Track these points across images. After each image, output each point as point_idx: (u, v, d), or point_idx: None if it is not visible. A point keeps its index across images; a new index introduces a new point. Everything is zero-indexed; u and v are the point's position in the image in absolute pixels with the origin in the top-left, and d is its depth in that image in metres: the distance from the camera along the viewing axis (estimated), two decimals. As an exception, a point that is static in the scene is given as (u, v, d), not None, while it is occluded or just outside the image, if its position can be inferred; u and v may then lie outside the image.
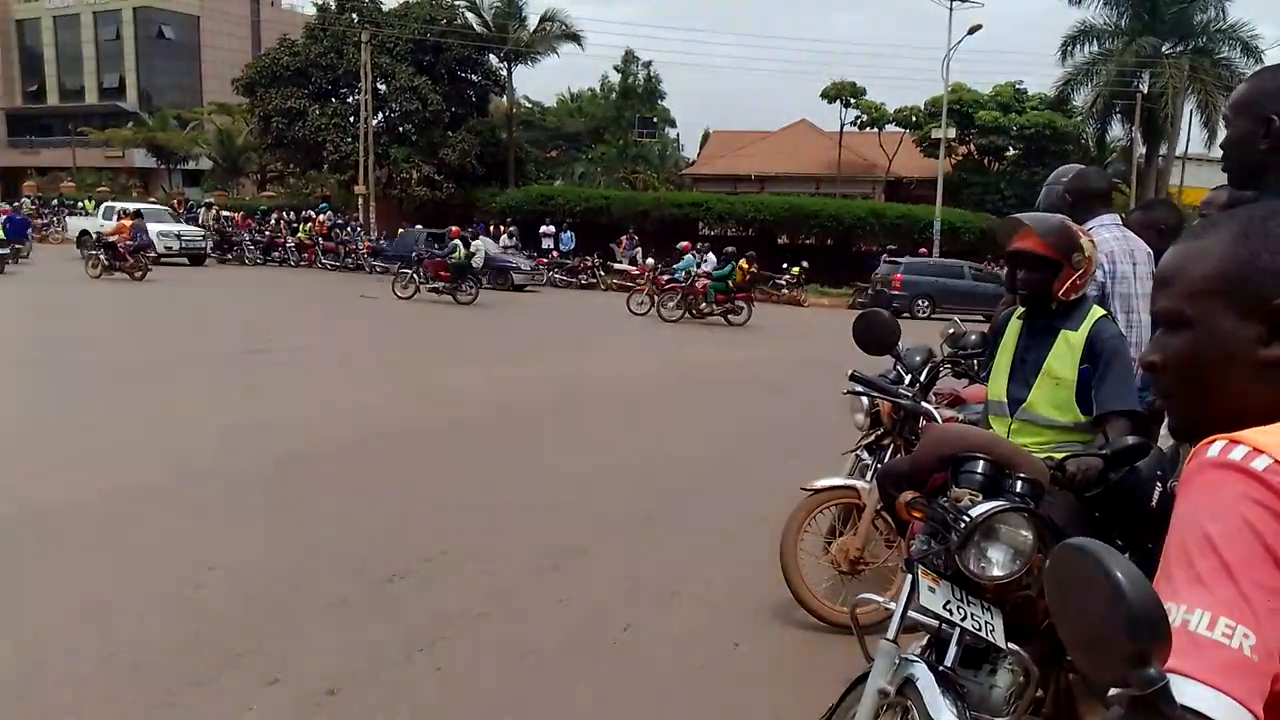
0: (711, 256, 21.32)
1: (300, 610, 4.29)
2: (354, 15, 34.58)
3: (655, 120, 45.75)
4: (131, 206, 28.56)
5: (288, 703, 3.44)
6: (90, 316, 15.84)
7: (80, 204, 39.18)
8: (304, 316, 17.62)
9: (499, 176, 35.22)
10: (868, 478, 4.39)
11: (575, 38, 35.98)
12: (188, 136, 47.43)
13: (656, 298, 20.06)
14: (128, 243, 21.68)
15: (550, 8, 35.73)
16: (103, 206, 29.78)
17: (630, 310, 20.38)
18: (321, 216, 31.65)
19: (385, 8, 35.17)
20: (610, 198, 33.22)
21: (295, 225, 31.42)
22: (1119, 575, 0.81)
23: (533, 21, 35.87)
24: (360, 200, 33.09)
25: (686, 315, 19.49)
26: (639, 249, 29.11)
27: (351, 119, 33.66)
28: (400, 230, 29.64)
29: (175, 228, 28.01)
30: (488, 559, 5.06)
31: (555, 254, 29.59)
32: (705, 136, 48.70)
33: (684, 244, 23.27)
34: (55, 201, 40.12)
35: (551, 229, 30.84)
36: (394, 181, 33.96)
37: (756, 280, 20.70)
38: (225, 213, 33.08)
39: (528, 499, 6.29)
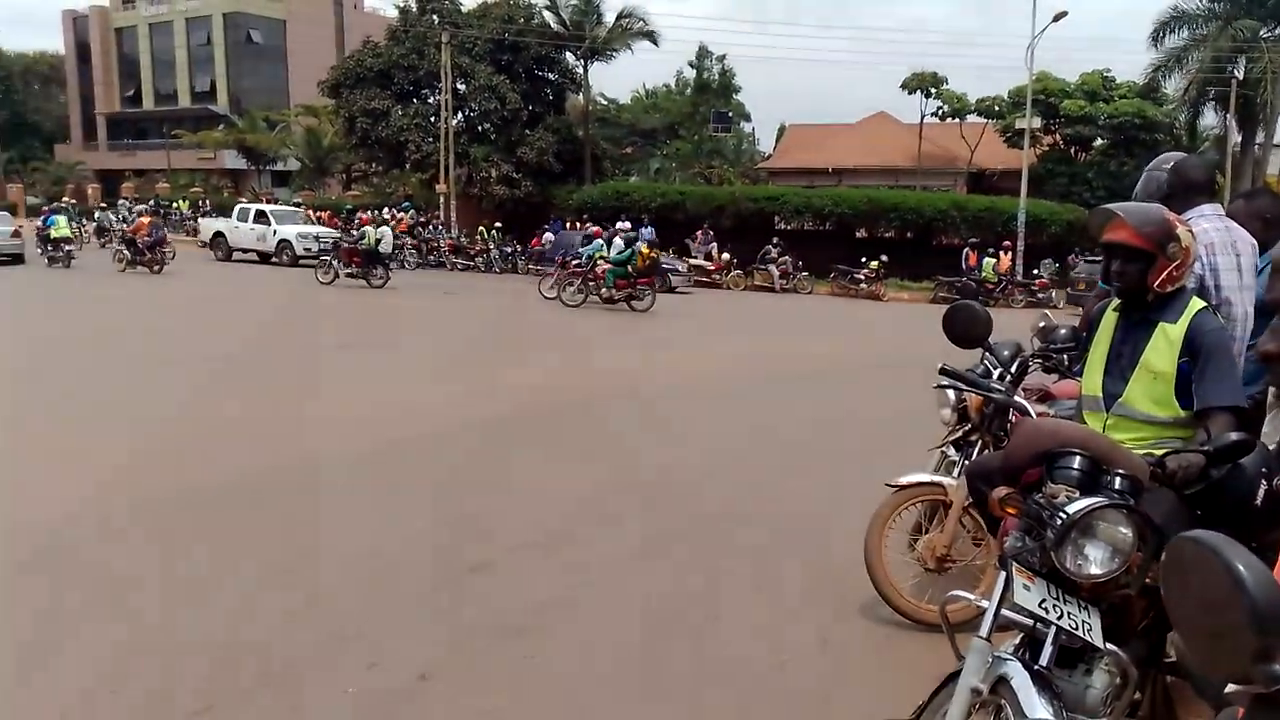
0: (619, 241, 20.76)
1: (396, 596, 4.42)
2: (434, 16, 35.14)
3: (730, 114, 45.56)
4: (263, 208, 29.99)
5: (385, 686, 3.55)
6: (211, 315, 16.49)
7: (175, 204, 40.71)
8: (390, 313, 18.01)
9: (576, 173, 35.46)
10: (955, 474, 4.34)
11: (651, 35, 36.01)
12: (276, 138, 48.81)
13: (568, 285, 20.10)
14: (145, 238, 23.37)
15: (627, 5, 35.68)
16: (236, 208, 30.84)
17: (542, 294, 20.29)
18: (405, 215, 32.29)
19: (465, 8, 35.67)
20: (686, 193, 33.17)
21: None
22: (1242, 569, 0.80)
23: (609, 19, 36.04)
24: (441, 199, 33.66)
25: (589, 299, 19.41)
26: (714, 244, 29.02)
27: (432, 119, 34.24)
28: (556, 232, 29.91)
29: (313, 230, 28.76)
30: (574, 550, 5.14)
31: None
32: (781, 130, 48.28)
33: (594, 229, 23.20)
34: (184, 204, 41.61)
35: (627, 225, 30.90)
36: (474, 180, 34.45)
37: (658, 265, 20.48)
38: (312, 212, 34.03)
39: (610, 491, 6.36)
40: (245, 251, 29.17)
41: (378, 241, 21.91)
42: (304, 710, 3.37)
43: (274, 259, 28.14)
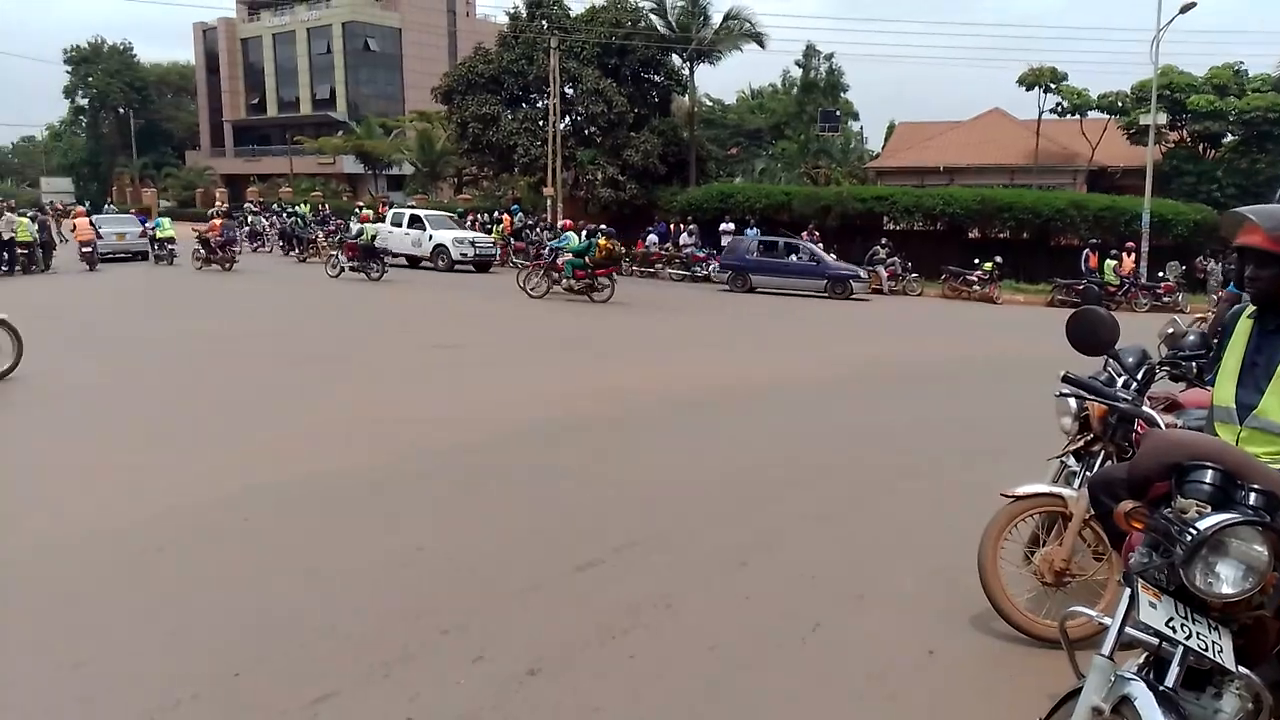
0: (571, 235, 21.54)
1: (500, 592, 4.52)
2: (544, 22, 35.71)
3: (838, 113, 44.84)
4: (416, 212, 29.93)
5: (492, 680, 3.64)
6: (327, 314, 17.16)
7: (296, 207, 42.36)
8: (493, 313, 18.39)
9: (680, 175, 35.51)
10: (1075, 485, 4.19)
11: (758, 36, 35.79)
12: (391, 143, 50.36)
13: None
14: (218, 238, 25.61)
15: (734, 6, 35.51)
16: (391, 211, 30.89)
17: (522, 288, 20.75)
18: (513, 218, 32.91)
19: (573, 13, 36.14)
20: (791, 193, 32.81)
21: (489, 226, 32.81)
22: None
23: (716, 20, 35.96)
24: (549, 202, 34.17)
25: (552, 290, 20.13)
26: (820, 245, 28.63)
27: (540, 123, 34.79)
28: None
29: (469, 235, 28.95)
30: (675, 551, 5.16)
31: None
32: (890, 128, 47.33)
33: (565, 222, 24.20)
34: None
35: (731, 226, 30.84)
36: (580, 183, 34.87)
37: (618, 257, 20.80)
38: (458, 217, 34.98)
39: (712, 492, 6.36)
40: (395, 256, 27.88)
41: (372, 238, 24.00)
42: (420, 699, 3.47)
43: (428, 264, 28.11)
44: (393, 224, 29.15)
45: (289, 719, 3.33)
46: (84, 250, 25.39)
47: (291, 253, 31.62)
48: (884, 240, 27.79)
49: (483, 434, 7.78)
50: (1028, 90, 33.94)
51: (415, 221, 28.93)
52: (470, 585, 4.60)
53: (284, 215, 37.08)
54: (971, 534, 4.18)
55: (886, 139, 46.49)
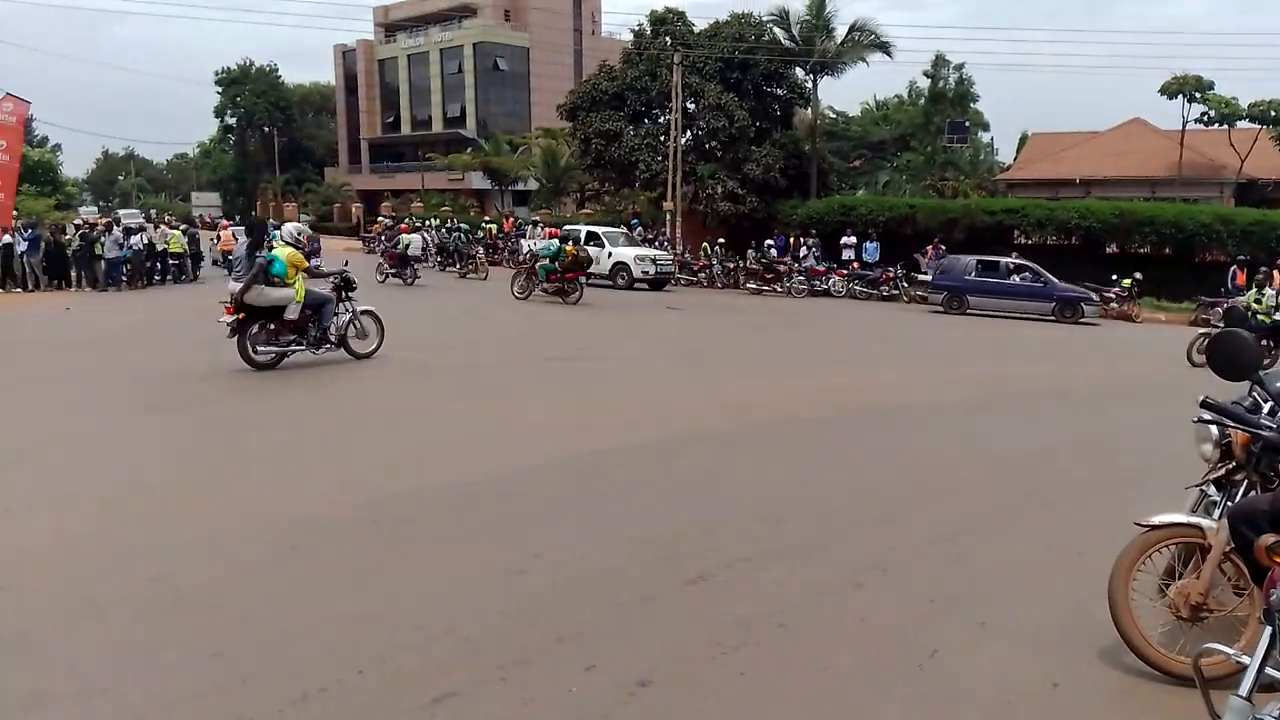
0: (542, 241, 23.22)
1: (613, 601, 4.58)
2: (667, 39, 36.04)
3: (967, 124, 43.68)
4: (593, 229, 29.03)
5: (604, 688, 3.69)
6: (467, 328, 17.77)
7: (427, 222, 43.78)
8: (612, 325, 18.61)
9: (801, 188, 35.21)
10: (1215, 515, 3.98)
11: (884, 46, 35.22)
12: (517, 159, 51.61)
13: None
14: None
15: (860, 17, 35.13)
16: (563, 228, 28.85)
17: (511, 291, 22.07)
18: (632, 232, 33.24)
19: (696, 29, 36.33)
20: (916, 206, 32.09)
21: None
22: None
23: (840, 32, 35.58)
24: (668, 216, 34.39)
25: (535, 293, 21.63)
26: (946, 259, 27.90)
27: (662, 138, 35.07)
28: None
29: (651, 252, 28.25)
30: (790, 569, 5.12)
31: (855, 265, 29.09)
32: (1023, 139, 45.82)
33: (551, 229, 24.96)
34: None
35: (852, 239, 30.36)
36: (699, 197, 34.98)
37: (584, 262, 21.95)
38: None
39: (829, 510, 6.28)
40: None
41: (406, 247, 25.70)
42: (533, 704, 3.56)
43: (609, 283, 26.97)
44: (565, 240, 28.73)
45: (409, 718, 3.46)
46: (230, 259, 27.03)
47: (450, 268, 30.99)
48: (1014, 255, 26.88)
49: (601, 445, 7.89)
50: (1170, 99, 32.36)
51: (592, 239, 27.88)
52: (584, 594, 4.67)
53: (445, 230, 37.45)
54: (1102, 563, 4.02)
55: (1018, 150, 45.04)
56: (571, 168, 43.92)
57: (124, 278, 23.14)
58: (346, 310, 11.71)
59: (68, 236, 22.86)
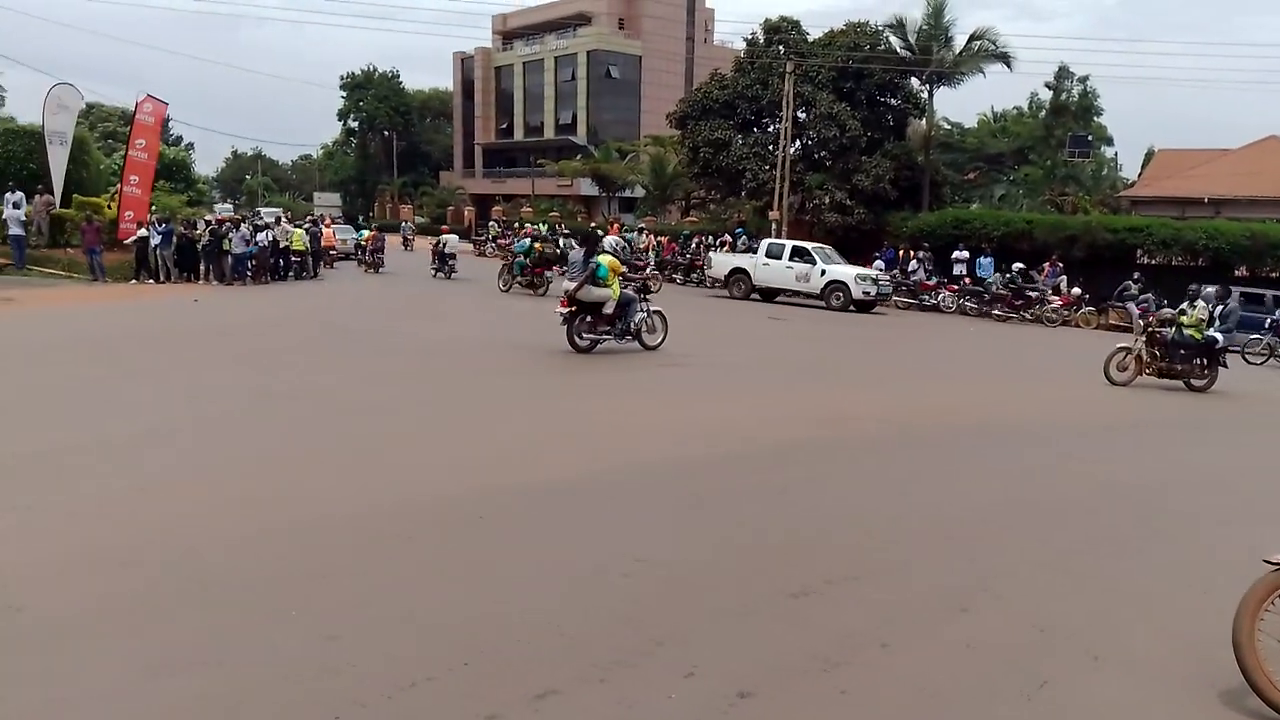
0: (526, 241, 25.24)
1: (714, 609, 4.59)
2: (780, 47, 35.86)
3: (1090, 138, 42.14)
4: (802, 244, 27.03)
5: (704, 697, 3.70)
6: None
7: (536, 227, 44.54)
8: (725, 330, 18.59)
9: (912, 200, 34.53)
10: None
11: (1004, 57, 34.28)
12: (626, 166, 52.07)
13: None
14: (372, 246, 30.57)
15: (980, 26, 34.24)
16: (765, 243, 27.83)
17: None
18: (736, 241, 33.12)
19: (810, 38, 36.06)
20: (1033, 222, 31.05)
21: (713, 249, 33.15)
22: None
23: (959, 42, 34.80)
24: (774, 225, 34.18)
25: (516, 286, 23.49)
26: (1064, 277, 26.97)
27: (771, 147, 34.90)
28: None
29: (871, 272, 26.47)
30: (895, 588, 5.03)
31: (967, 280, 28.32)
32: (1149, 155, 43.99)
33: (527, 228, 27.44)
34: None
35: (965, 254, 29.59)
36: (806, 207, 34.66)
37: (550, 258, 23.77)
38: (658, 237, 35.80)
39: (935, 529, 6.16)
40: (780, 292, 26.36)
41: (444, 244, 27.87)
42: (634, 708, 3.59)
43: (821, 303, 25.64)
44: (767, 255, 26.87)
45: (512, 712, 3.53)
46: (329, 254, 30.24)
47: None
48: (1136, 275, 25.79)
49: (702, 451, 7.90)
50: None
51: (800, 254, 26.32)
52: (685, 599, 4.69)
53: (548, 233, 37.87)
54: (1226, 601, 3.84)
55: (1144, 166, 43.27)
56: (678, 175, 44.06)
57: (249, 273, 24.20)
58: (644, 310, 13.86)
59: (198, 232, 24.02)
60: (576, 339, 13.28)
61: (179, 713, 3.48)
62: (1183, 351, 13.65)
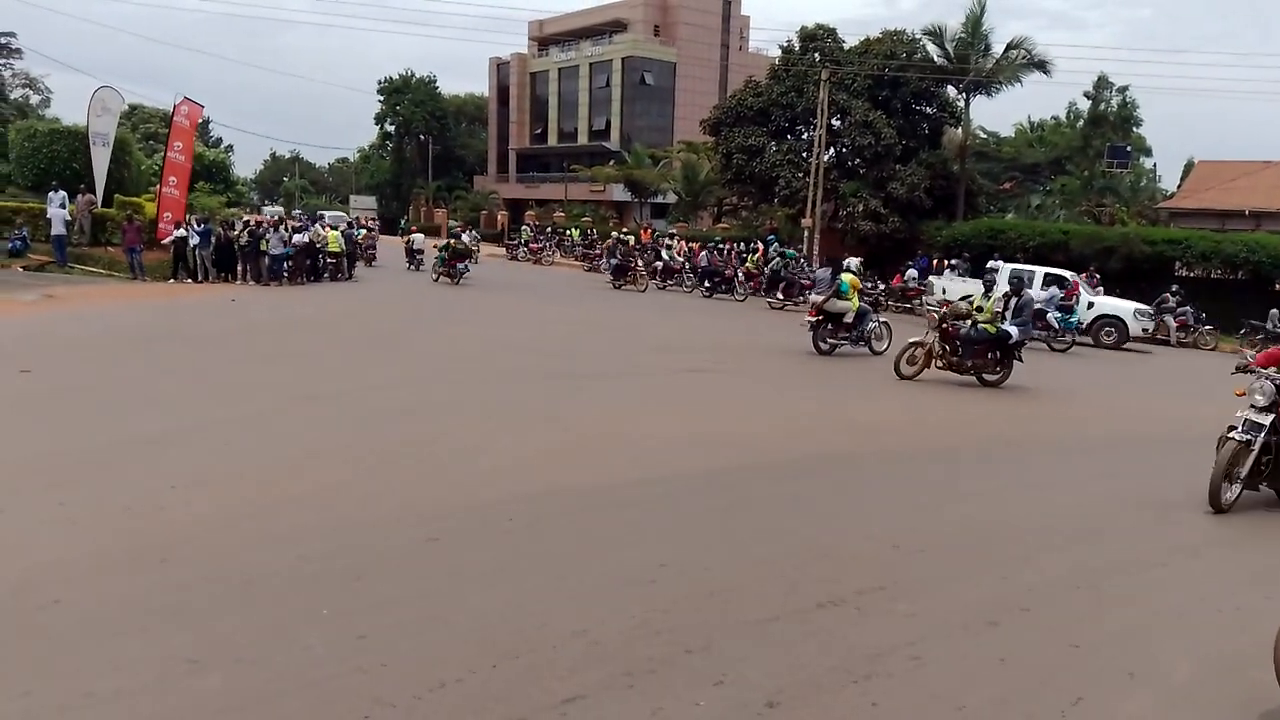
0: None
1: (742, 619, 4.57)
2: (816, 55, 35.76)
3: (1129, 149, 41.68)
4: (1057, 274, 23.64)
5: (732, 705, 3.69)
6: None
7: (569, 232, 44.78)
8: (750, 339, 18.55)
9: (947, 209, 34.28)
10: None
11: (1042, 65, 33.95)
12: (658, 173, 52.13)
13: None
14: (368, 247, 32.60)
15: (1018, 35, 34.01)
16: (994, 264, 23.86)
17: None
18: (768, 248, 32.99)
19: (846, 46, 35.93)
20: (1070, 232, 30.68)
21: (744, 255, 33.02)
22: None
23: (997, 50, 34.52)
24: (805, 233, 34.05)
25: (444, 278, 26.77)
26: (1100, 289, 26.62)
27: (804, 154, 34.80)
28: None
29: (1146, 307, 22.92)
30: (925, 601, 4.99)
31: (1002, 291, 28.02)
32: (1188, 167, 43.36)
33: (460, 224, 29.92)
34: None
35: (1000, 264, 29.26)
36: (838, 215, 34.52)
37: (462, 252, 27.66)
38: (689, 243, 35.83)
39: (966, 543, 6.10)
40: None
41: (454, 247, 29.40)
42: (661, 714, 3.59)
43: (1088, 341, 22.10)
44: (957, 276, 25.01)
45: (539, 716, 3.54)
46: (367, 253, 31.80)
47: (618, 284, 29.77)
48: (1175, 288, 25.41)
49: (733, 459, 7.88)
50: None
51: (1056, 282, 22.14)
52: (711, 608, 4.68)
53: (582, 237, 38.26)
54: (1264, 623, 3.77)
55: (1183, 178, 42.65)
56: (711, 182, 44.06)
57: (285, 273, 24.47)
58: (874, 321, 16.16)
59: (236, 232, 24.34)
60: (820, 343, 15.66)
61: (212, 708, 3.53)
62: (976, 346, 13.00)
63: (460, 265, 28.42)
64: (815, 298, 16.07)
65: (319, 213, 46.35)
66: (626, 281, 29.68)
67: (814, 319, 15.68)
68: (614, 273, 29.85)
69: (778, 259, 28.71)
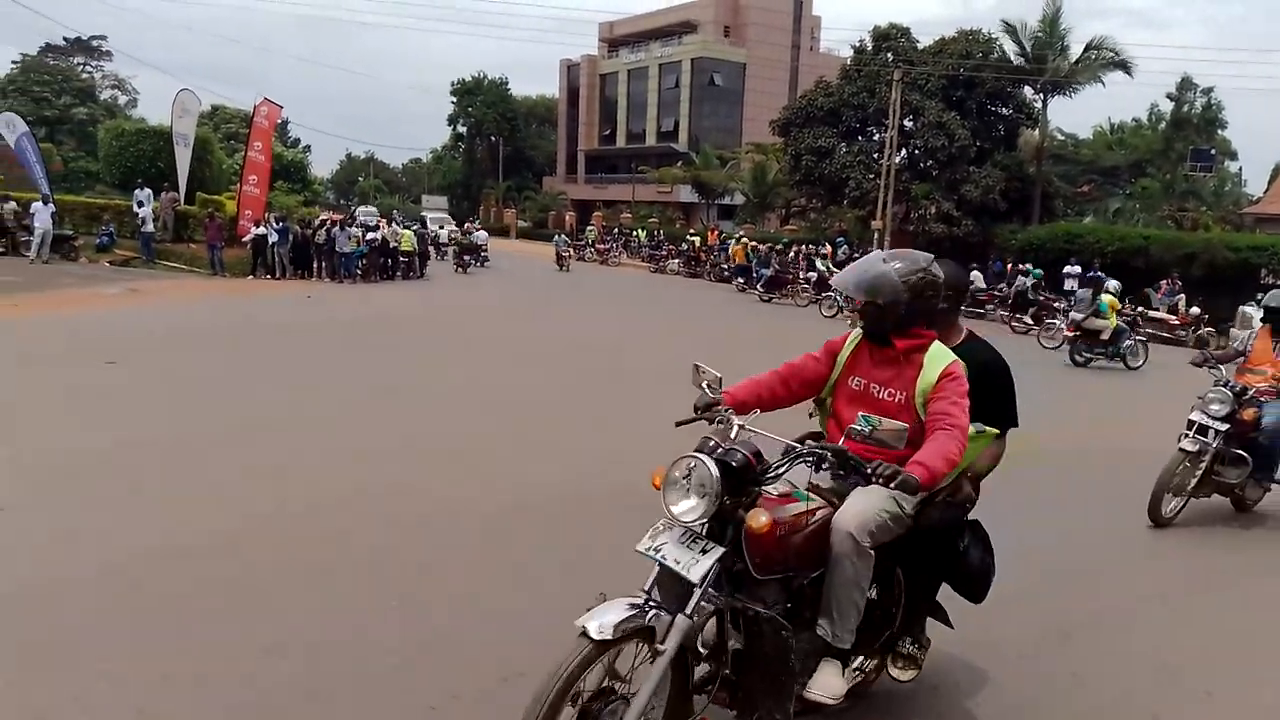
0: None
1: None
2: (889, 55, 35.34)
3: (1213, 152, 40.35)
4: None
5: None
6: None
7: (635, 232, 44.95)
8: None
9: (1022, 212, 33.59)
10: None
11: (1124, 65, 33.08)
12: (726, 174, 52.02)
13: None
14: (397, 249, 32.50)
15: (1097, 35, 33.19)
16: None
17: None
18: (836, 251, 32.67)
19: (920, 46, 35.44)
20: (1150, 237, 29.82)
21: (812, 258, 32.75)
22: None
23: (1075, 50, 33.72)
24: (875, 235, 33.66)
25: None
26: (1181, 295, 25.80)
27: (875, 156, 34.41)
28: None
29: None
30: (998, 615, 4.87)
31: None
32: (1276, 170, 41.86)
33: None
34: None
35: (1077, 269, 28.54)
36: (910, 217, 34.05)
37: (475, 248, 31.87)
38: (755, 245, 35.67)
39: (1039, 556, 5.95)
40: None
41: (469, 239, 33.14)
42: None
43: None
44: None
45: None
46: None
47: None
48: (1260, 296, 24.49)
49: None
50: None
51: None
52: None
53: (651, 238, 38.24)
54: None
55: (1270, 182, 41.17)
56: (779, 183, 43.81)
57: (358, 271, 25.01)
58: (1131, 339, 17.34)
59: (311, 230, 24.95)
60: (1077, 356, 17.11)
61: (282, 693, 3.63)
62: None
63: (467, 258, 31.58)
64: (1076, 315, 17.69)
65: (392, 211, 47.13)
66: (782, 295, 26.72)
67: (1073, 334, 17.35)
68: (766, 285, 26.82)
69: (1022, 278, 25.41)
